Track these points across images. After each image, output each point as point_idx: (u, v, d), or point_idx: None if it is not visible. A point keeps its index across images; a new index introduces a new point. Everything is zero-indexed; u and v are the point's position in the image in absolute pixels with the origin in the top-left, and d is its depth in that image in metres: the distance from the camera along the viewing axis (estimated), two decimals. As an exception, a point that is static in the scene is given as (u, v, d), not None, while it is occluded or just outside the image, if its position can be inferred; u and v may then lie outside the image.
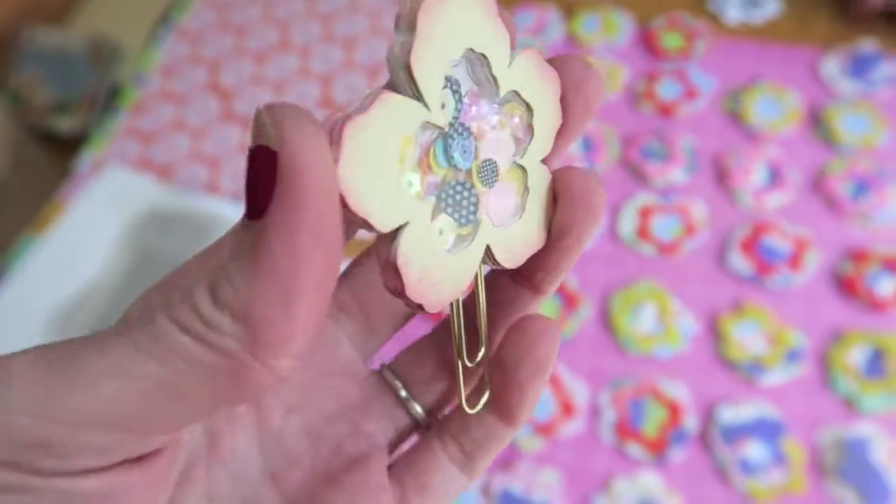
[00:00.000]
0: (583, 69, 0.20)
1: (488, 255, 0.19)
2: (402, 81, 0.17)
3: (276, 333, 0.14)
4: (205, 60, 0.75)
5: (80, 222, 0.63)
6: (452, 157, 0.18)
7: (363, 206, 0.16)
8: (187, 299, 0.15)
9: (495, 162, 0.19)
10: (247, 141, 0.68)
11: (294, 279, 0.14)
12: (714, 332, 0.54)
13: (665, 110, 0.65)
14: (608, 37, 0.70)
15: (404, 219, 0.17)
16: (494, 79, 0.18)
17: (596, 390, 0.52)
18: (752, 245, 0.57)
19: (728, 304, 0.55)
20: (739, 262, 0.56)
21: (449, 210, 0.18)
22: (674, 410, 0.51)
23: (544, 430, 0.51)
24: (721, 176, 0.61)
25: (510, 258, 0.20)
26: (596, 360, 0.54)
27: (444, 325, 0.23)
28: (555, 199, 0.20)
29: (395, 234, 0.17)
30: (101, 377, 0.14)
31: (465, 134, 0.18)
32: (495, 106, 0.19)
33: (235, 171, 0.66)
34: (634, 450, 0.50)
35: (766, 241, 0.57)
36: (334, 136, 0.15)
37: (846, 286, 0.55)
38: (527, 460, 0.50)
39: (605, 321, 0.55)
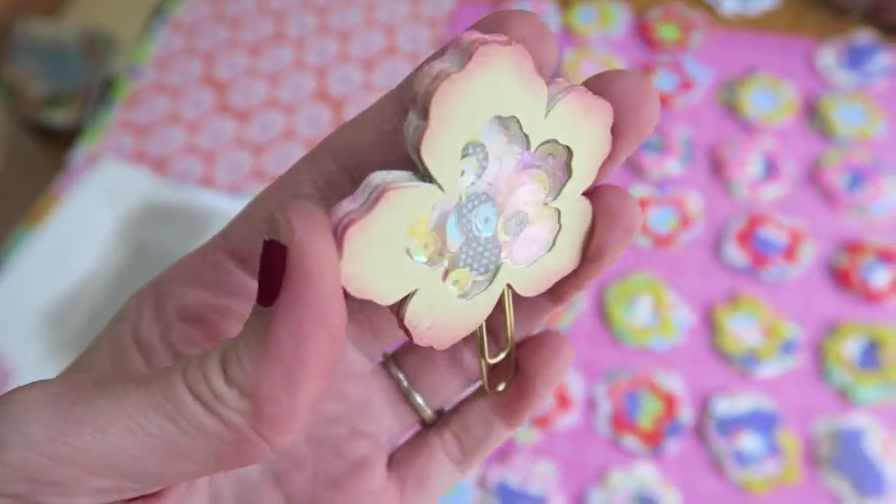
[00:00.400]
0: (638, 88, 0.18)
1: (511, 291, 0.20)
2: (416, 162, 0.17)
3: (278, 412, 0.16)
4: (199, 53, 0.74)
5: (74, 216, 0.63)
6: (472, 229, 0.18)
7: (365, 292, 0.17)
8: (201, 368, 0.16)
9: (525, 213, 0.19)
10: (242, 134, 0.68)
11: (298, 363, 0.15)
12: (709, 324, 0.54)
13: (661, 102, 0.64)
14: (604, 28, 0.70)
15: (411, 289, 0.18)
16: (525, 137, 0.18)
17: (592, 383, 0.53)
18: (747, 237, 0.57)
19: (723, 295, 0.55)
20: (735, 253, 0.56)
21: (468, 262, 0.19)
22: (669, 402, 0.51)
23: (540, 422, 0.51)
24: (717, 167, 0.61)
25: (531, 289, 0.20)
26: (592, 352, 0.54)
27: None
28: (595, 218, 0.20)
29: (404, 299, 0.18)
30: (114, 426, 0.15)
31: (483, 201, 0.18)
32: (526, 159, 0.19)
33: (230, 165, 0.66)
34: (630, 442, 0.50)
35: (762, 232, 0.57)
36: (338, 235, 0.16)
37: (841, 278, 0.55)
38: (523, 453, 0.50)
39: (601, 313, 0.55)
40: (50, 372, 0.55)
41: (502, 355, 0.21)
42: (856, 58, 0.65)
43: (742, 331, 0.53)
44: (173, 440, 0.16)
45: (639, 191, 0.60)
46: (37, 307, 0.58)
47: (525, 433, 0.51)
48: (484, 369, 0.21)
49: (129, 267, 0.60)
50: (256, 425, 0.16)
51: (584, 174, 0.19)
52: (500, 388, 0.21)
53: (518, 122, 0.18)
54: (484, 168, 0.18)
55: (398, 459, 0.22)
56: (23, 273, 0.60)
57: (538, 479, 0.49)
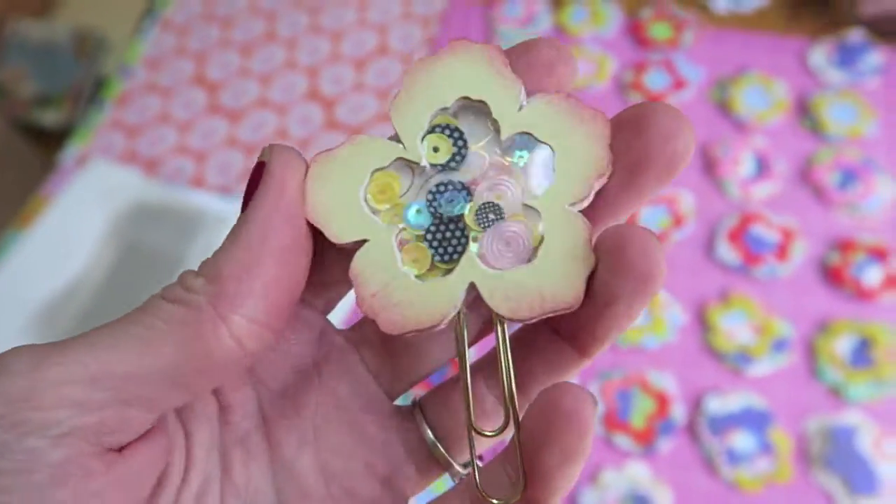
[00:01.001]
0: (674, 120, 0.17)
1: (481, 299, 0.18)
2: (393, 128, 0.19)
3: (237, 288, 0.17)
4: (190, 52, 0.74)
5: (65, 216, 0.63)
6: (438, 206, 0.19)
7: (319, 221, 0.19)
8: (180, 278, 0.18)
9: (497, 205, 0.19)
10: (233, 134, 0.68)
11: (260, 246, 0.18)
12: (701, 323, 0.54)
13: (653, 100, 0.65)
14: (596, 27, 0.70)
15: (360, 236, 0.19)
16: (495, 121, 0.19)
17: (584, 382, 0.52)
18: (739, 235, 0.57)
19: (715, 294, 0.55)
20: (727, 252, 0.56)
21: (433, 244, 0.19)
22: (661, 401, 0.51)
23: (533, 421, 0.51)
24: (709, 166, 0.61)
25: (510, 306, 0.18)
26: (584, 351, 0.54)
27: (483, 365, 0.21)
28: (600, 257, 0.18)
29: (356, 249, 0.19)
30: (93, 341, 0.17)
31: (455, 185, 0.19)
32: (497, 149, 0.19)
33: (221, 165, 0.66)
34: (622, 441, 0.50)
35: (754, 231, 0.57)
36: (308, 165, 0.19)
37: (833, 276, 0.55)
38: (515, 452, 0.50)
39: (594, 312, 0.55)
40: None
41: (506, 427, 0.19)
42: (847, 56, 0.65)
43: (734, 329, 0.53)
44: (141, 337, 0.17)
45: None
46: (27, 308, 0.58)
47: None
48: (473, 451, 0.19)
49: (120, 268, 0.60)
50: (215, 301, 0.17)
51: (572, 182, 0.18)
52: (488, 433, 0.19)
53: (487, 108, 0.19)
54: (462, 156, 0.19)
55: None
56: (13, 274, 0.60)
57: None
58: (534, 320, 0.18)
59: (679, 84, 0.65)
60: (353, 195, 0.19)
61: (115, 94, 0.72)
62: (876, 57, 0.65)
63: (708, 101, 0.65)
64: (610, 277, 0.17)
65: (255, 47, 0.74)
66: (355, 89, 0.70)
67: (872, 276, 0.54)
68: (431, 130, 0.19)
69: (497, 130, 0.19)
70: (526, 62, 0.19)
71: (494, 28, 0.71)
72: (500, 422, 0.20)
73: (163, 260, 0.59)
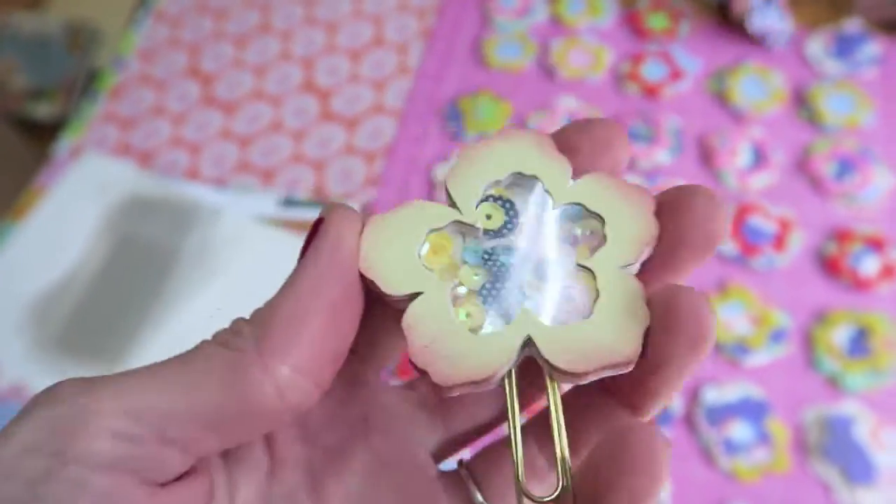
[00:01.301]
0: (708, 203, 0.18)
1: (537, 353, 0.18)
2: (446, 196, 0.20)
3: (284, 337, 0.17)
4: (184, 44, 0.73)
5: (58, 209, 0.62)
6: (493, 263, 0.20)
7: (373, 272, 0.19)
8: (231, 324, 0.19)
9: (552, 264, 0.19)
10: (228, 126, 0.67)
11: (310, 298, 0.18)
12: (699, 314, 0.54)
13: (650, 91, 0.64)
14: (593, 18, 0.70)
15: (414, 289, 0.19)
16: (548, 193, 0.20)
17: (582, 373, 0.52)
18: (736, 226, 0.57)
19: (713, 284, 0.55)
20: (725, 243, 0.56)
21: (488, 299, 0.19)
22: (659, 392, 0.51)
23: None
24: (706, 157, 0.61)
25: (568, 359, 0.18)
26: (581, 342, 0.54)
27: (533, 425, 0.21)
28: (654, 318, 0.18)
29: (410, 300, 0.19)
30: (140, 376, 0.17)
31: (502, 250, 0.20)
32: (551, 217, 0.20)
33: (216, 157, 0.66)
34: (620, 431, 0.50)
35: (751, 221, 0.57)
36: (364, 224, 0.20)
37: (830, 266, 0.55)
38: (513, 443, 0.50)
39: (591, 304, 0.55)
40: (34, 366, 0.54)
41: (559, 487, 0.18)
42: (845, 46, 0.65)
43: (732, 320, 0.53)
44: (187, 377, 0.17)
45: (629, 181, 0.60)
46: (21, 301, 0.58)
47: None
48: (519, 464, 0.18)
49: (114, 261, 0.59)
50: (261, 347, 0.17)
51: (623, 247, 0.19)
52: (546, 499, 0.18)
53: (540, 181, 0.20)
54: (514, 224, 0.20)
55: None
56: (6, 267, 0.59)
57: (528, 470, 0.49)
58: (590, 377, 0.18)
59: (676, 75, 0.65)
60: (408, 252, 0.19)
61: (108, 86, 0.71)
62: (873, 47, 0.64)
63: (705, 92, 0.64)
64: (663, 337, 0.17)
65: (250, 39, 0.73)
66: (351, 81, 0.69)
67: (869, 266, 0.54)
68: (485, 199, 0.20)
69: (548, 197, 0.20)
70: (581, 139, 0.20)
71: (490, 18, 0.71)
72: (551, 483, 0.19)
73: (157, 252, 0.58)
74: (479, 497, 0.21)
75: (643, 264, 0.19)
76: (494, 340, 0.18)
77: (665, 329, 0.17)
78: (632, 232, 0.19)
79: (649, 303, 0.18)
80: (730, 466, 0.48)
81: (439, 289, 0.19)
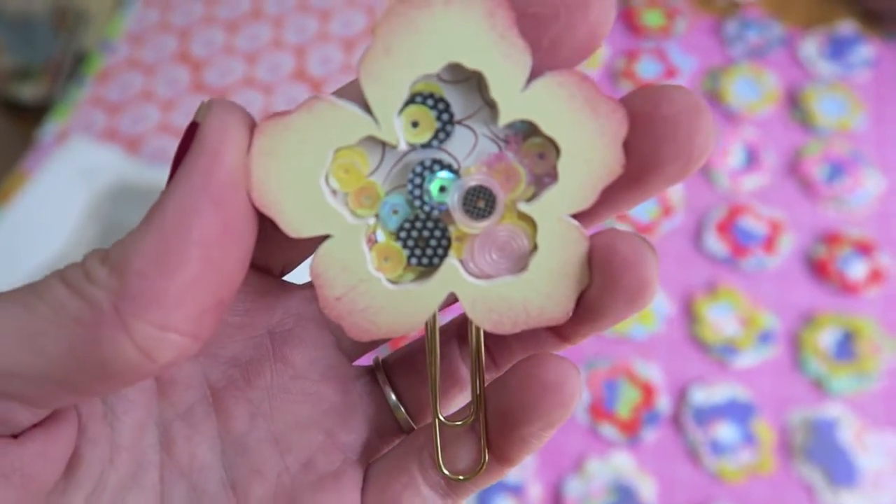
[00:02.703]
0: (691, 106, 0.15)
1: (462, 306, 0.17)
2: (359, 91, 0.16)
3: (145, 289, 0.14)
4: (174, 28, 0.72)
5: (44, 194, 0.61)
6: (421, 189, 0.16)
7: (265, 203, 0.15)
8: (83, 260, 0.15)
9: (490, 201, 0.16)
10: (218, 113, 0.66)
11: (177, 238, 0.14)
12: (688, 314, 0.54)
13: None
14: (588, 13, 0.69)
15: (321, 231, 0.16)
16: (493, 103, 0.16)
17: (570, 371, 0.52)
18: (727, 227, 0.57)
19: (703, 285, 0.55)
20: (715, 243, 0.56)
21: (409, 243, 0.17)
22: (647, 391, 0.51)
23: (518, 410, 0.51)
24: (698, 157, 0.61)
25: (492, 320, 0.17)
26: (571, 340, 0.54)
27: (456, 329, 0.20)
28: (596, 270, 0.16)
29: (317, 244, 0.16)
30: None
31: (435, 164, 0.16)
32: (495, 133, 0.16)
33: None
34: (608, 430, 0.50)
35: (742, 223, 0.57)
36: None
37: (818, 269, 0.55)
38: (500, 440, 0.50)
39: (581, 302, 0.55)
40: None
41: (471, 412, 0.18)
42: (838, 48, 0.65)
43: (720, 321, 0.53)
44: (24, 325, 0.14)
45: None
46: (4, 288, 0.57)
47: (503, 421, 0.51)
48: (437, 434, 0.18)
49: (101, 247, 0.59)
50: (118, 302, 0.14)
51: (575, 189, 0.16)
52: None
53: (485, 83, 0.15)
54: (447, 133, 0.16)
55: (372, 478, 0.19)
56: (-11, 253, 0.58)
57: (515, 468, 0.49)
58: (516, 332, 0.17)
59: (671, 73, 0.65)
60: (311, 177, 0.16)
61: (95, 69, 0.70)
62: (867, 50, 0.65)
63: (699, 91, 0.64)
64: (599, 294, 0.16)
65: (241, 24, 0.72)
66: (343, 70, 0.68)
67: (857, 270, 0.54)
68: (411, 100, 0.16)
69: (491, 104, 0.16)
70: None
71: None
72: (469, 392, 0.19)
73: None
74: (393, 398, 0.20)
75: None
76: (415, 296, 0.17)
77: (602, 283, 0.16)
78: (590, 169, 0.16)
79: (589, 257, 0.16)
80: (715, 467, 0.48)
81: (351, 231, 0.16)
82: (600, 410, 0.50)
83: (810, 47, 0.66)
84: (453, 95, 0.16)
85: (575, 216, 0.16)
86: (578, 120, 0.16)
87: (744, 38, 0.67)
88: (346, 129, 0.16)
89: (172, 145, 0.65)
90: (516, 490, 0.48)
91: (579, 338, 0.18)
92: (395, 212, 0.17)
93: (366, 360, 0.21)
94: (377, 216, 0.17)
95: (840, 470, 0.48)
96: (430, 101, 0.16)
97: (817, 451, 0.48)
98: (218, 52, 0.70)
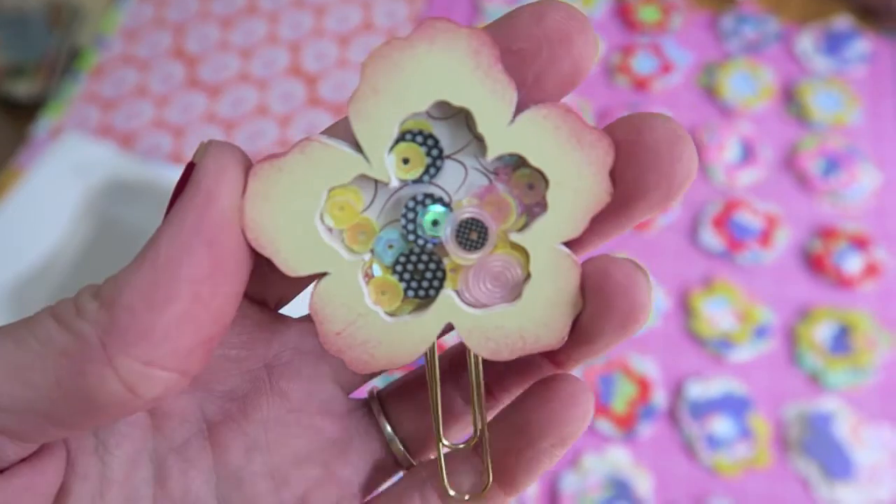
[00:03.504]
0: (672, 134, 0.15)
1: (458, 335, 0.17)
2: (349, 130, 0.16)
3: (133, 322, 0.14)
4: (169, 24, 0.72)
5: (38, 191, 0.61)
6: (414, 224, 0.17)
7: (262, 244, 0.16)
8: (75, 295, 0.15)
9: (482, 232, 0.17)
10: (212, 109, 0.66)
11: (167, 272, 0.14)
12: (685, 309, 0.54)
13: (640, 84, 0.64)
14: (585, 8, 0.69)
15: (318, 269, 0.17)
16: (480, 138, 0.16)
17: (566, 366, 0.52)
18: (723, 222, 0.57)
19: (699, 280, 0.55)
20: (711, 238, 0.56)
21: (405, 276, 0.17)
22: (643, 386, 0.51)
23: (514, 405, 0.51)
24: (694, 152, 0.61)
25: (488, 348, 0.17)
26: (567, 335, 0.53)
27: (448, 366, 0.20)
28: (584, 290, 0.17)
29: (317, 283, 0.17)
30: None
31: (427, 198, 0.17)
32: (484, 166, 0.17)
33: (200, 140, 0.64)
34: (604, 426, 0.50)
35: (738, 217, 0.57)
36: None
37: (814, 263, 0.55)
38: (496, 435, 0.50)
39: (577, 297, 0.55)
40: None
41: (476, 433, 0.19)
42: (834, 44, 0.65)
43: (716, 315, 0.53)
44: (14, 359, 0.14)
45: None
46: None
47: (499, 416, 0.50)
48: (441, 458, 0.18)
49: (95, 245, 0.58)
50: (105, 337, 0.14)
51: (565, 218, 0.16)
52: (460, 446, 0.19)
53: (472, 119, 0.16)
54: (438, 168, 0.17)
55: None
56: (-17, 250, 0.58)
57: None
58: (511, 359, 0.17)
59: (666, 68, 0.65)
60: (306, 217, 0.16)
61: (90, 65, 0.69)
62: (862, 45, 0.65)
63: (695, 86, 0.64)
64: (593, 318, 0.16)
65: (236, 20, 0.72)
66: (339, 66, 0.68)
67: (853, 264, 0.54)
68: (401, 138, 0.16)
69: (479, 138, 0.16)
70: (531, 35, 0.15)
71: (481, 6, 0.70)
72: (467, 421, 0.20)
73: (139, 236, 0.57)
74: (389, 430, 0.20)
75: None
76: (413, 328, 0.17)
77: (596, 308, 0.16)
78: (579, 199, 0.16)
79: (582, 283, 0.17)
80: (711, 461, 0.48)
81: (348, 267, 0.17)
82: (596, 405, 0.50)
83: (806, 42, 0.65)
84: (442, 131, 0.16)
85: (566, 244, 0.17)
86: (565, 151, 0.16)
87: (740, 34, 0.67)
88: (339, 169, 0.16)
89: (167, 141, 0.64)
90: (512, 485, 0.48)
91: (573, 363, 0.18)
92: (391, 246, 0.17)
93: (361, 392, 0.21)
94: (373, 251, 0.17)
95: (836, 464, 0.48)
96: (419, 138, 0.16)
97: (813, 445, 0.48)
98: (213, 48, 0.70)
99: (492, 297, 0.17)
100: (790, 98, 0.63)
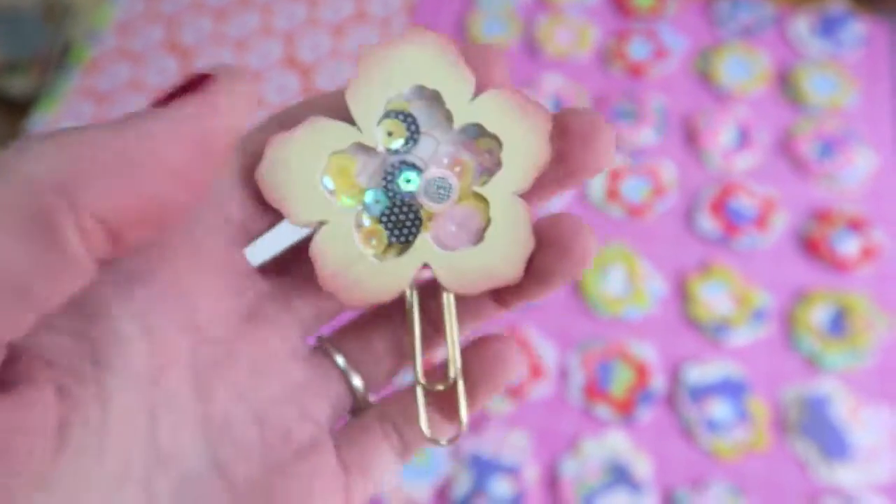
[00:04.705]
0: (592, 122, 0.19)
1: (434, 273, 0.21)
2: (348, 111, 0.20)
3: (97, 177, 0.15)
4: (162, 17, 0.72)
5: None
6: (394, 188, 0.21)
7: (276, 198, 0.20)
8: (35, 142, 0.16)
9: (446, 187, 0.20)
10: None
11: (148, 143, 0.15)
12: (682, 293, 0.54)
13: (635, 70, 0.64)
14: (578, -5, 0.69)
15: (320, 218, 0.20)
16: (448, 112, 0.20)
17: (564, 352, 0.52)
18: (719, 206, 0.57)
19: (696, 265, 0.55)
20: (707, 223, 0.56)
21: (389, 225, 0.21)
22: (641, 371, 0.51)
23: (513, 392, 0.51)
24: (690, 137, 0.61)
25: (458, 283, 0.20)
26: (565, 322, 0.54)
27: (393, 303, 0.22)
28: (541, 240, 0.20)
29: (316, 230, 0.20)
30: None
31: (409, 162, 0.21)
32: (450, 137, 0.21)
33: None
34: (602, 410, 0.50)
35: (734, 202, 0.57)
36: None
37: (811, 246, 0.55)
38: (495, 422, 0.50)
39: (574, 284, 0.55)
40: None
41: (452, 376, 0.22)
42: (829, 27, 0.65)
43: (714, 300, 0.53)
44: None
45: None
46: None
47: (498, 403, 0.51)
48: (418, 366, 0.21)
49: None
50: (68, 183, 0.15)
51: (517, 173, 0.20)
52: (439, 387, 0.21)
53: (441, 98, 0.20)
54: (414, 141, 0.21)
55: (343, 448, 0.21)
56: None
57: (511, 449, 0.49)
58: (478, 293, 0.21)
59: (662, 53, 0.65)
60: (311, 177, 0.20)
61: (83, 60, 0.69)
62: (857, 28, 0.64)
63: (690, 71, 0.64)
64: (549, 260, 0.20)
65: (230, 12, 0.71)
66: (333, 56, 0.68)
67: (850, 246, 0.55)
68: (386, 115, 0.20)
69: (448, 117, 0.20)
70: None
71: (475, -5, 0.70)
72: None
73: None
74: (343, 364, 0.22)
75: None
76: (396, 267, 0.20)
77: (553, 255, 0.20)
78: (527, 157, 0.20)
79: (535, 228, 0.20)
80: (710, 445, 0.48)
81: (343, 217, 0.20)
82: (595, 391, 0.51)
83: (801, 26, 0.65)
84: (419, 111, 0.21)
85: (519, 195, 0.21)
86: (514, 120, 0.20)
87: (735, 18, 0.66)
88: (338, 137, 0.20)
89: (162, 134, 0.64)
90: (512, 471, 0.48)
91: (516, 303, 0.21)
92: (377, 202, 0.21)
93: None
94: (363, 205, 0.21)
95: (834, 445, 0.48)
96: (401, 116, 0.21)
97: (811, 427, 0.49)
98: (207, 41, 0.70)
99: (460, 240, 0.21)
100: (785, 82, 0.63)
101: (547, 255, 0.20)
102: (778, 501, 0.47)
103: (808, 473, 0.48)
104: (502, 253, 0.20)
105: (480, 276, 0.20)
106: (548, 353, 0.52)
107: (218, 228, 0.20)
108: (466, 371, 0.21)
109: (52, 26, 1.01)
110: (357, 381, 0.22)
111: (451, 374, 0.21)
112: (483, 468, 0.48)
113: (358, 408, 0.22)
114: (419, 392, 0.21)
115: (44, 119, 0.66)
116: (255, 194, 0.20)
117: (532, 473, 0.48)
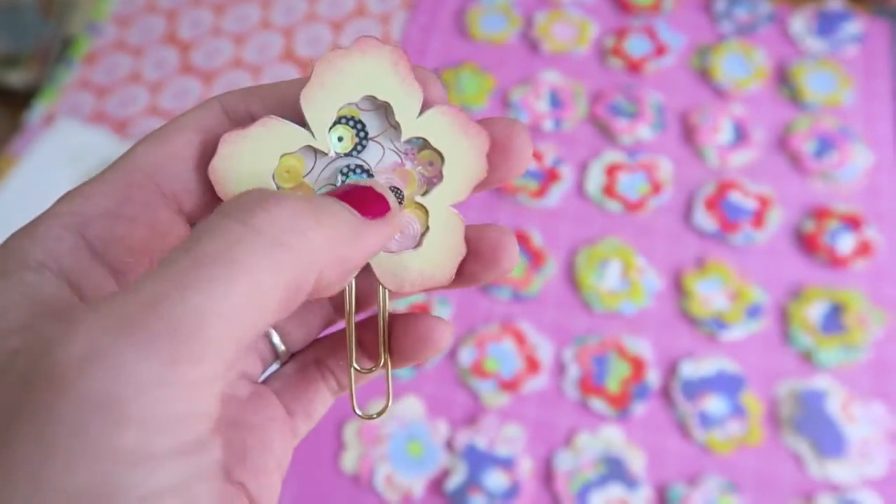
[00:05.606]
0: (507, 126, 0.21)
1: (371, 273, 0.22)
2: (301, 114, 0.21)
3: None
4: (161, 10, 0.72)
5: (32, 177, 0.61)
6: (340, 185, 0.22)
7: (226, 193, 0.20)
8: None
9: (398, 189, 0.22)
10: (206, 95, 0.66)
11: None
12: (678, 289, 0.54)
13: (634, 67, 0.64)
14: (577, -9, 0.69)
15: None
16: (397, 125, 0.21)
17: (560, 347, 0.53)
18: (716, 203, 0.57)
19: (692, 261, 0.55)
20: (704, 219, 0.56)
21: None
22: (637, 366, 0.51)
23: (509, 385, 0.51)
24: (688, 133, 0.61)
25: (395, 282, 0.22)
26: (561, 316, 0.54)
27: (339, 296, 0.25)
28: (471, 248, 0.22)
29: None
30: None
31: (356, 168, 0.22)
32: (398, 147, 0.22)
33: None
34: (598, 405, 0.50)
35: (731, 198, 0.57)
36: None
37: (807, 243, 0.55)
38: (491, 415, 0.50)
39: (571, 278, 0.55)
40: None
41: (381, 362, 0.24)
42: (827, 24, 0.65)
43: (709, 295, 0.53)
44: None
45: (610, 157, 0.60)
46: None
47: (494, 396, 0.51)
48: (352, 381, 0.23)
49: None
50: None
51: (456, 186, 0.22)
52: (369, 368, 0.24)
53: (391, 110, 0.21)
54: (363, 146, 0.22)
55: (287, 395, 0.24)
56: (-22, 236, 0.58)
57: (506, 442, 0.49)
58: (412, 293, 0.22)
59: (660, 50, 0.65)
60: (262, 174, 0.21)
61: (83, 52, 0.69)
62: (855, 25, 0.65)
63: (688, 68, 0.64)
64: (478, 266, 0.22)
65: (229, 5, 0.72)
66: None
67: (845, 243, 0.55)
68: (338, 121, 0.21)
69: (395, 126, 0.22)
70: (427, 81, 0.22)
71: (474, -10, 0.70)
72: (330, 314, 0.25)
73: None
74: (276, 338, 0.24)
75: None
76: None
77: (482, 262, 0.22)
78: (466, 173, 0.22)
79: (467, 236, 0.22)
80: (704, 439, 0.49)
81: None
82: (590, 385, 0.51)
83: (799, 23, 0.65)
84: (368, 119, 0.22)
85: (455, 206, 0.22)
86: (456, 138, 0.21)
87: (733, 15, 0.67)
88: (291, 139, 0.21)
89: (161, 127, 0.64)
90: (507, 464, 0.49)
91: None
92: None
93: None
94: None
95: (828, 441, 0.48)
96: (351, 122, 0.22)
97: (805, 423, 0.49)
98: (206, 34, 0.70)
99: (400, 245, 0.22)
100: (783, 79, 0.63)
101: (476, 263, 0.22)
102: (771, 496, 0.47)
103: (801, 468, 0.48)
104: (438, 259, 0.22)
105: (416, 277, 0.22)
106: (544, 347, 0.52)
107: (172, 219, 0.21)
108: (396, 343, 0.23)
109: (52, 19, 1.01)
110: (276, 339, 0.24)
111: (381, 360, 0.23)
112: (478, 460, 0.49)
113: (280, 360, 0.25)
114: (352, 374, 0.23)
115: (43, 111, 0.66)
116: (208, 185, 0.21)
117: (526, 466, 0.49)
